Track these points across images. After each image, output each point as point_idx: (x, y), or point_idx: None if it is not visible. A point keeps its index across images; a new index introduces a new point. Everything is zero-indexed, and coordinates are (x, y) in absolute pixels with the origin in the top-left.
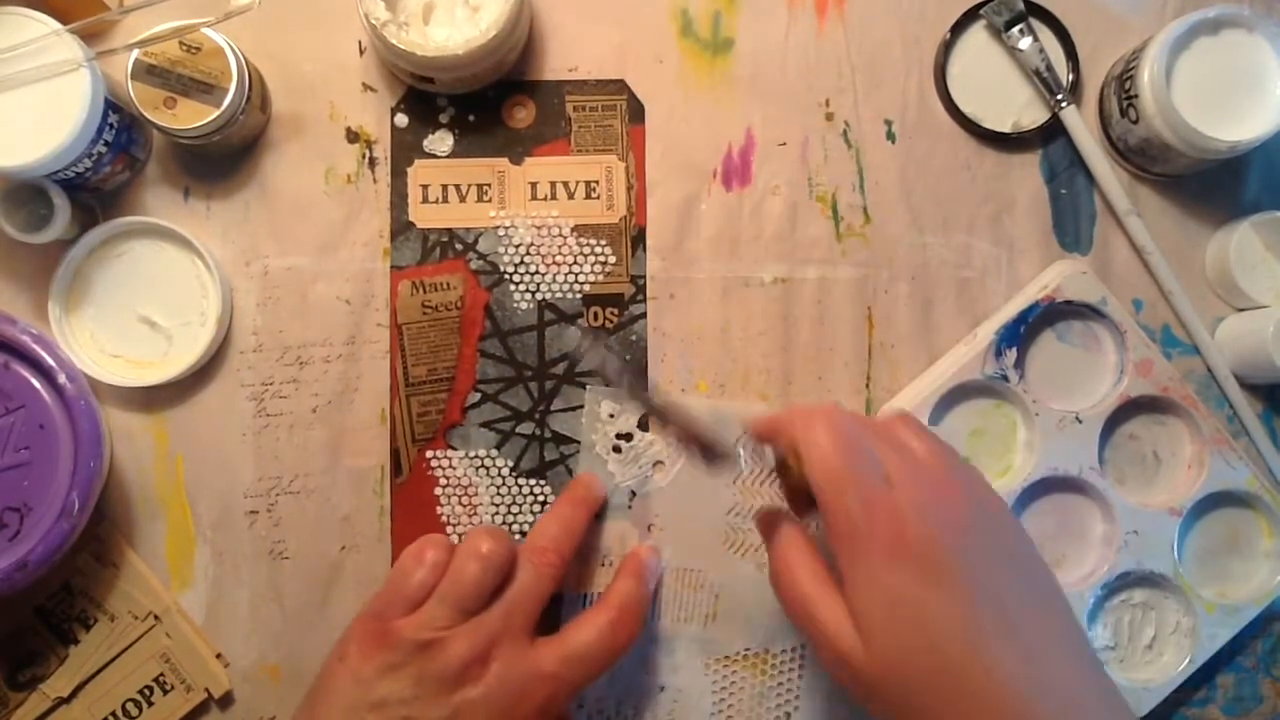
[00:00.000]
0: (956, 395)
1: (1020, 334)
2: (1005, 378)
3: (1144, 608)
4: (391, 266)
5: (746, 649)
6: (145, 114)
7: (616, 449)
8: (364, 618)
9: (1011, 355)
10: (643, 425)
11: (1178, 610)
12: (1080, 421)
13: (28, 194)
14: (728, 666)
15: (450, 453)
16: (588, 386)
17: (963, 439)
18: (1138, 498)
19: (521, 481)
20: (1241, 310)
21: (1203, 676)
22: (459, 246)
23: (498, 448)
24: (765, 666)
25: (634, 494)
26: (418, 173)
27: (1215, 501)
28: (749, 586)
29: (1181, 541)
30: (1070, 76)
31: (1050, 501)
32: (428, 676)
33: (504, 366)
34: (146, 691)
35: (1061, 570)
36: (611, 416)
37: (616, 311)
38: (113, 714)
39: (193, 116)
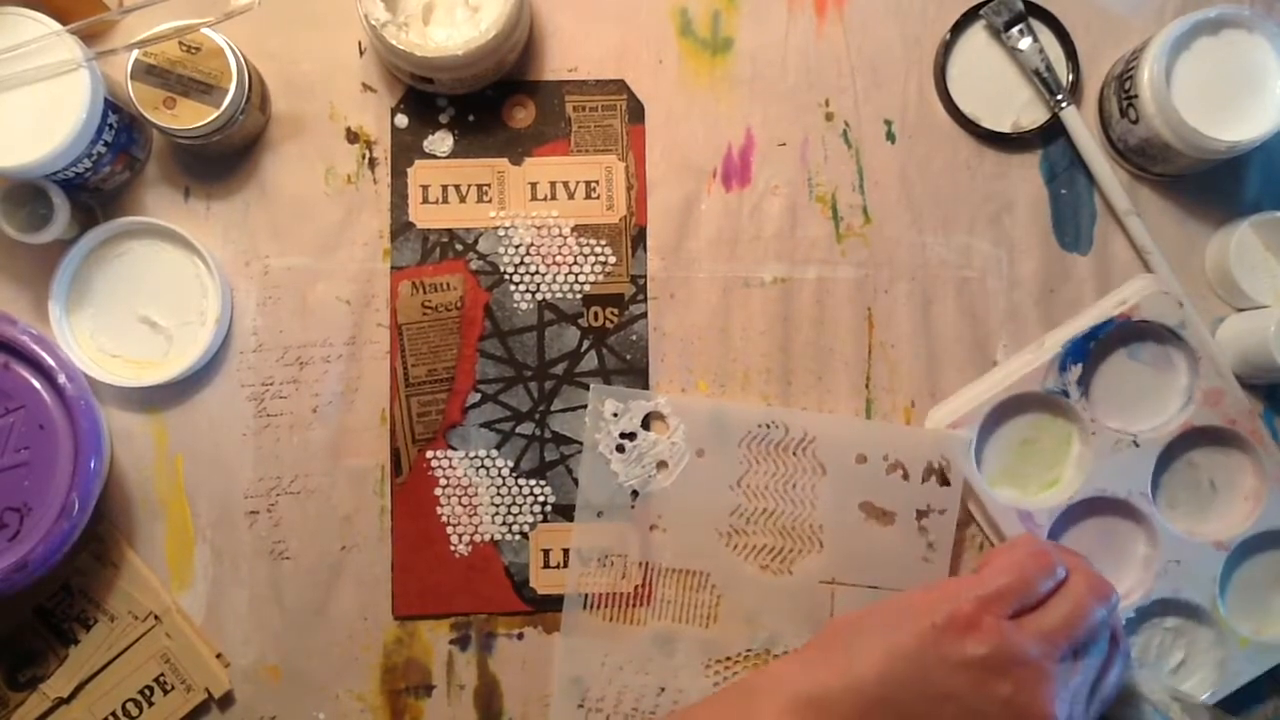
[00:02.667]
0: (1012, 404)
1: (1089, 350)
2: (1066, 393)
3: (1175, 633)
4: (392, 267)
5: (748, 650)
6: (145, 114)
7: (619, 448)
8: (966, 597)
9: (1076, 371)
10: (645, 424)
11: (1210, 641)
12: (1137, 446)
13: (28, 194)
14: (728, 668)
15: (450, 453)
16: (591, 385)
17: (1012, 447)
18: (1187, 525)
19: (522, 482)
20: (1242, 310)
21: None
22: (459, 247)
23: (498, 448)
24: None
25: (636, 494)
26: (418, 173)
27: (1268, 540)
28: (751, 587)
29: (1226, 573)
30: (1070, 76)
31: (1094, 519)
32: (1016, 707)
33: (504, 367)
34: (147, 691)
35: None
36: (615, 416)
37: (616, 311)
38: (113, 714)
39: (193, 116)
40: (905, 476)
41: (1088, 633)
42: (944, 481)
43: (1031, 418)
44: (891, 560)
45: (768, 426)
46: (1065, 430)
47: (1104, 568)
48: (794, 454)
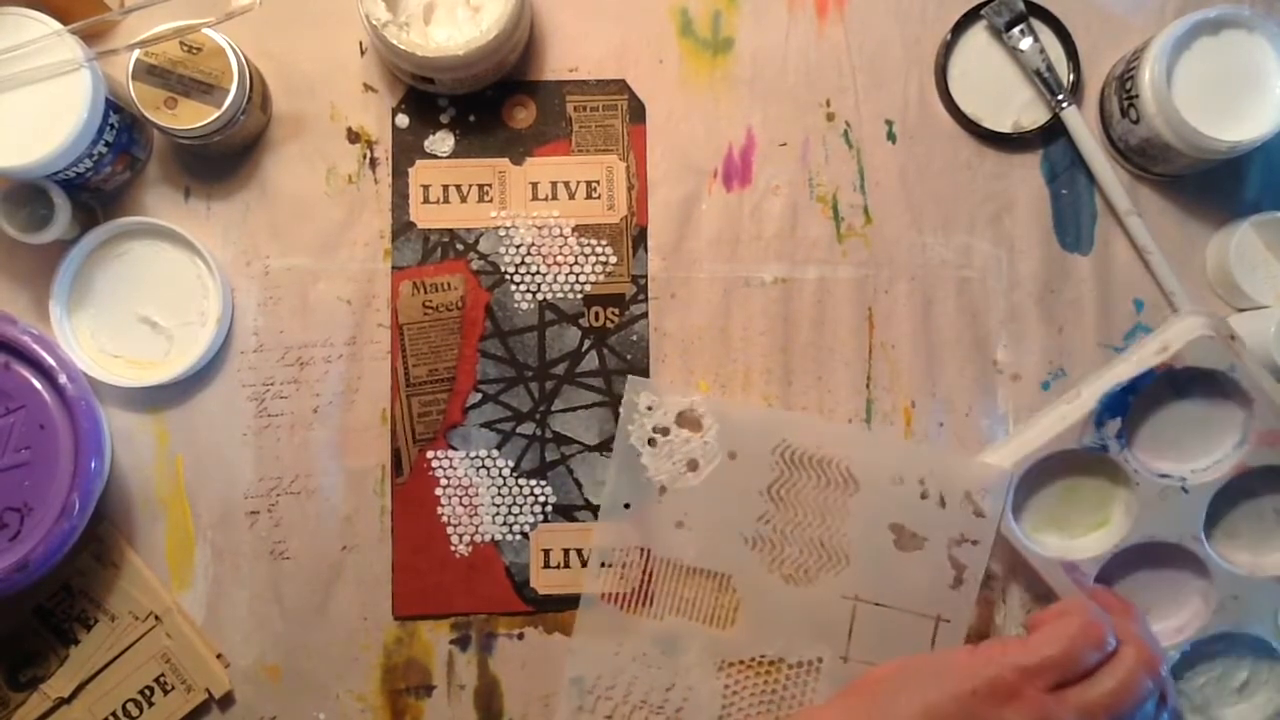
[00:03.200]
0: (1053, 459)
1: (1128, 404)
2: (1105, 447)
3: (1237, 657)
4: (392, 267)
5: (762, 655)
6: (146, 114)
7: (651, 441)
8: (1009, 665)
9: (1115, 425)
10: (679, 421)
11: (1273, 666)
12: (1186, 492)
13: (28, 194)
14: (740, 671)
15: (451, 453)
16: (629, 376)
17: (1056, 492)
18: (1249, 557)
19: (522, 482)
20: (1242, 310)
21: None
22: (460, 247)
23: (498, 448)
24: (779, 675)
25: (664, 489)
26: (419, 173)
27: None
28: (772, 594)
29: None
30: (1071, 77)
31: (1145, 561)
32: None
33: (505, 367)
34: (147, 692)
35: (1151, 619)
36: (649, 409)
37: (617, 311)
38: (113, 714)
39: (193, 117)
40: (941, 503)
41: (1133, 708)
42: (980, 513)
43: (1074, 465)
44: (918, 584)
45: (803, 435)
46: (1109, 477)
47: (1157, 603)
48: (827, 467)
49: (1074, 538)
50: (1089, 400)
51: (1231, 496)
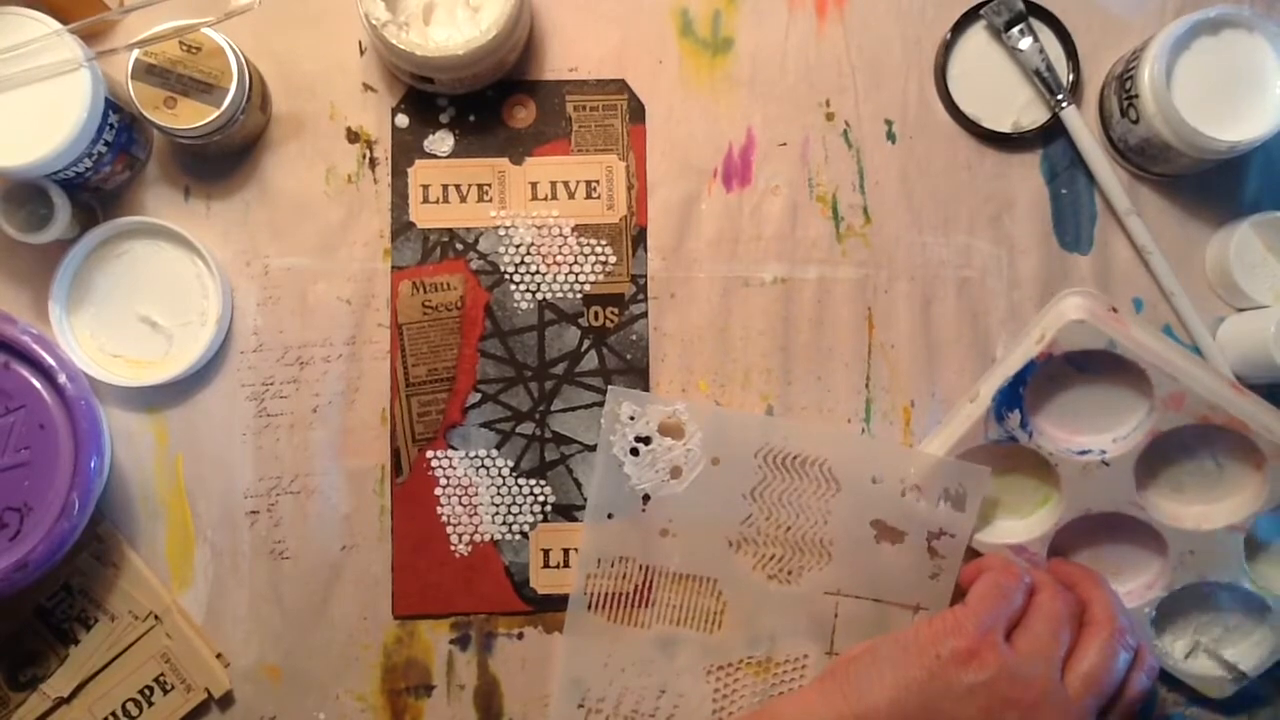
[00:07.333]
0: (987, 448)
1: (1021, 395)
2: (1013, 438)
3: (1212, 611)
4: (392, 266)
5: (750, 656)
6: (145, 114)
7: (634, 451)
8: (967, 629)
9: (1015, 417)
10: (662, 429)
11: (1248, 608)
12: (1107, 465)
13: (28, 194)
14: (729, 674)
15: (450, 453)
16: (609, 386)
17: (1001, 478)
18: (1201, 507)
19: (522, 481)
20: (1242, 310)
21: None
22: (459, 246)
23: (498, 448)
24: (767, 675)
25: (648, 497)
26: (418, 173)
27: None
28: (757, 595)
29: (1257, 542)
30: (1070, 76)
31: (1095, 531)
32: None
33: (504, 366)
34: (147, 691)
35: (1118, 581)
36: (631, 419)
37: (617, 311)
38: (113, 714)
39: (193, 116)
40: (920, 500)
41: (1112, 673)
42: (959, 508)
43: (1008, 452)
44: (898, 576)
45: (785, 438)
46: (1037, 458)
47: (1124, 565)
48: (809, 468)
49: (1024, 517)
50: (985, 399)
51: (1168, 455)
